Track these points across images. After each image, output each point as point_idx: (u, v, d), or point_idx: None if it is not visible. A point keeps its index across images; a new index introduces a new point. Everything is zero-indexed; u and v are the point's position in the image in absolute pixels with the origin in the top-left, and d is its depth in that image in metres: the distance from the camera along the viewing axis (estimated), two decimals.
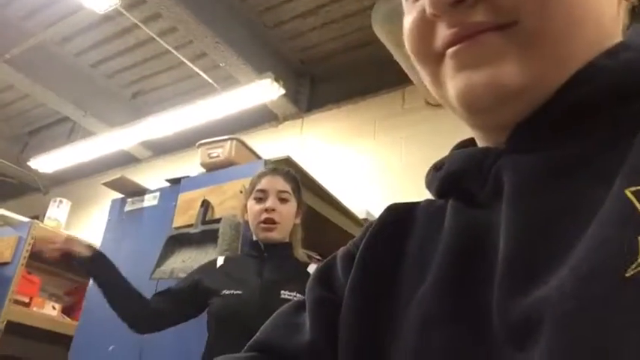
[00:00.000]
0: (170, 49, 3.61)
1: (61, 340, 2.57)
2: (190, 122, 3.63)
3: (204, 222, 1.87)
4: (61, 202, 2.93)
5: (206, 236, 1.82)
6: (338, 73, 3.80)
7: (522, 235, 0.30)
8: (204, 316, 1.45)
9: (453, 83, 0.35)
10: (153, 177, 3.53)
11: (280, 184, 1.51)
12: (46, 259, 2.67)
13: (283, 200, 1.50)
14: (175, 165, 4.14)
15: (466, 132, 0.44)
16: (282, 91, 3.29)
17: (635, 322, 0.22)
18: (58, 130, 5.04)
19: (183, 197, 2.01)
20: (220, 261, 1.53)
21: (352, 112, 3.59)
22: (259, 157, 2.11)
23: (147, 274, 1.84)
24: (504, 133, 0.35)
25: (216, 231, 1.74)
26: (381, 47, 2.88)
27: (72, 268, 2.94)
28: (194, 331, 1.47)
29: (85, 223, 4.34)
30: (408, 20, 0.38)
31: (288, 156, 1.92)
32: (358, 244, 0.44)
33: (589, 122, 0.32)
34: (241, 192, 1.74)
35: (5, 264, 2.58)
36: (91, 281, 2.11)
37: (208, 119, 3.56)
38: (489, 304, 0.30)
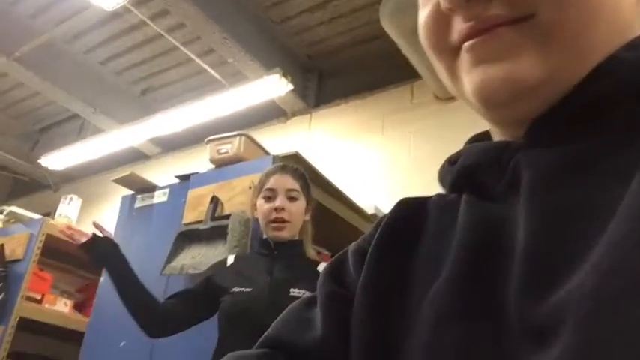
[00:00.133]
0: (178, 45, 3.62)
1: (72, 337, 2.59)
2: (199, 118, 3.64)
3: (213, 218, 1.88)
4: (71, 199, 2.94)
5: (215, 232, 1.83)
6: (346, 67, 3.78)
7: (541, 232, 0.29)
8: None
9: (470, 78, 0.35)
10: (162, 173, 3.55)
11: (289, 182, 1.51)
12: (60, 254, 2.73)
13: (292, 199, 1.49)
14: (184, 161, 4.15)
15: (476, 126, 0.43)
16: (290, 87, 3.29)
17: None
18: (68, 127, 5.08)
19: (193, 194, 2.02)
20: (231, 259, 1.53)
21: (360, 107, 3.57)
22: (268, 153, 2.11)
23: (157, 269, 1.86)
24: (522, 127, 0.34)
25: (226, 227, 1.75)
26: (389, 41, 2.85)
27: (83, 265, 2.97)
28: (205, 328, 1.47)
29: (96, 220, 4.36)
30: (424, 14, 0.37)
31: (297, 152, 1.92)
32: (369, 240, 0.43)
33: (607, 117, 0.31)
34: (250, 188, 1.74)
35: (17, 261, 2.61)
36: (102, 278, 2.12)
37: (217, 115, 3.57)
38: (505, 301, 0.29)
